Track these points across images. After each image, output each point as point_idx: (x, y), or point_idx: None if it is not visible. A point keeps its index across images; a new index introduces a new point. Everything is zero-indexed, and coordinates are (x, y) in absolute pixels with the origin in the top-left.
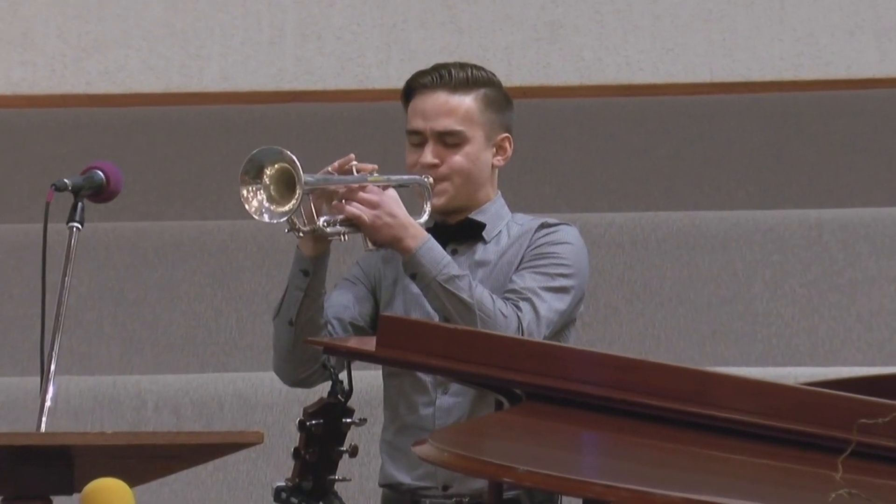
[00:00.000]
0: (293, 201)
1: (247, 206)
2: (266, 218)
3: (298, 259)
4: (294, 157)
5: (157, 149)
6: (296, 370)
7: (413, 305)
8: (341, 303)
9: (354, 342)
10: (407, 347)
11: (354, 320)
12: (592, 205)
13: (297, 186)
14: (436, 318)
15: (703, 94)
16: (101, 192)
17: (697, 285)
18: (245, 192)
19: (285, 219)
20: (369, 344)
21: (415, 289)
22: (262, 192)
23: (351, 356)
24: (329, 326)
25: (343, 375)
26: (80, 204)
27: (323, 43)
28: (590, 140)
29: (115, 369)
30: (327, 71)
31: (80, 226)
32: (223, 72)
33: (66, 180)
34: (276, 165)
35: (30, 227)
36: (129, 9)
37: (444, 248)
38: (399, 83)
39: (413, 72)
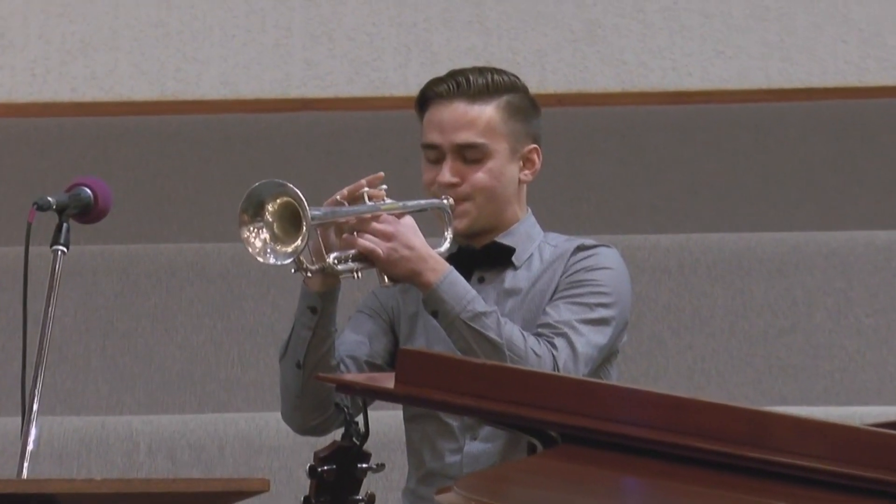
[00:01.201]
0: (300, 239)
1: (250, 249)
2: (272, 260)
3: (305, 295)
4: (298, 191)
5: (150, 163)
6: (306, 417)
7: (436, 339)
8: (355, 339)
9: (370, 379)
10: (429, 384)
11: (371, 358)
12: (635, 225)
13: (303, 222)
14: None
15: (759, 102)
16: (88, 212)
17: (752, 315)
18: (246, 232)
19: (290, 261)
20: (387, 381)
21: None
22: (264, 230)
23: (367, 394)
24: (342, 366)
25: (359, 416)
26: (65, 224)
27: (334, 45)
28: (632, 153)
29: (104, 408)
30: (339, 76)
31: (65, 249)
32: (223, 77)
33: (49, 198)
34: (278, 200)
35: (9, 250)
36: (118, 6)
37: (470, 275)
38: (419, 89)
39: (434, 77)
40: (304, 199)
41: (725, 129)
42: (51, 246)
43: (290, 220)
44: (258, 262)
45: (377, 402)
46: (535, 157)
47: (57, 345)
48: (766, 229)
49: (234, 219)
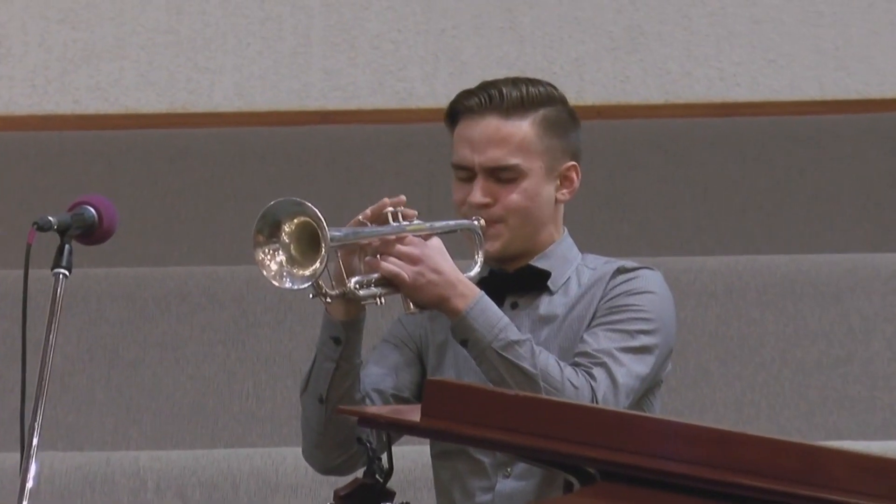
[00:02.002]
0: (318, 262)
1: (265, 272)
2: (288, 284)
3: (328, 325)
4: (317, 211)
5: (158, 180)
6: (329, 455)
7: (467, 369)
8: (380, 371)
9: (395, 412)
10: (458, 417)
11: (397, 391)
12: (679, 247)
13: (322, 244)
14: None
15: (812, 114)
16: (92, 232)
17: (805, 343)
18: (261, 254)
19: (310, 283)
20: (413, 414)
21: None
22: (280, 252)
23: (391, 428)
24: (367, 401)
25: (384, 452)
26: (67, 246)
27: (356, 53)
28: (676, 169)
29: (108, 444)
30: (362, 87)
31: (67, 272)
32: (237, 88)
33: (50, 218)
34: (295, 220)
35: (7, 273)
36: (124, 12)
37: (503, 301)
38: (448, 101)
39: (464, 87)
40: (323, 220)
41: (776, 144)
42: (52, 269)
43: (309, 242)
44: (274, 286)
45: (404, 437)
46: (574, 175)
47: (58, 375)
48: (821, 251)
49: (248, 240)
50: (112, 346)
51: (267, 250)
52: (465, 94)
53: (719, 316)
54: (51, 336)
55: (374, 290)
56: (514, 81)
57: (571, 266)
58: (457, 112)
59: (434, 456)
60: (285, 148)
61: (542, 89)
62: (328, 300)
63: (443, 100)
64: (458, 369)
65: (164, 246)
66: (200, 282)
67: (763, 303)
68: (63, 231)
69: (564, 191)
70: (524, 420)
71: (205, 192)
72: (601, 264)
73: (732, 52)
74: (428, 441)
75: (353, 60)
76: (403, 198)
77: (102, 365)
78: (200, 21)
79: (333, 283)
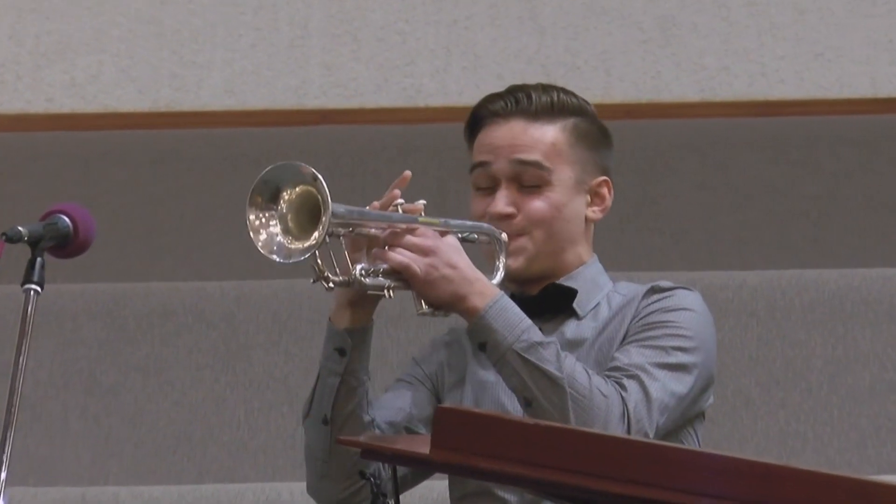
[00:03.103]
0: (315, 235)
1: (252, 236)
2: (276, 256)
3: (332, 336)
4: (320, 177)
5: (140, 186)
6: (336, 487)
7: (484, 397)
8: (395, 405)
9: (402, 442)
10: (472, 449)
11: (412, 425)
12: (717, 260)
13: (322, 217)
14: (513, 411)
15: (864, 114)
16: (66, 244)
17: (856, 366)
18: (253, 216)
19: (303, 258)
20: (422, 445)
21: (488, 376)
22: (275, 221)
23: (397, 461)
24: (378, 432)
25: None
26: (39, 259)
27: (360, 46)
28: (713, 174)
29: (85, 478)
30: (365, 83)
31: (39, 288)
32: (228, 84)
33: (20, 228)
34: (297, 189)
35: None
36: (103, 2)
37: None
38: (460, 99)
39: (479, 84)
40: (326, 189)
41: (824, 146)
42: (22, 285)
43: (309, 214)
44: (263, 256)
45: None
46: (606, 191)
47: (29, 402)
48: (873, 264)
49: (239, 253)
50: (89, 369)
51: (262, 215)
52: (490, 98)
53: (761, 337)
54: (21, 359)
55: (381, 280)
56: (545, 87)
57: (602, 292)
58: (480, 117)
59: (454, 500)
60: (281, 150)
61: (574, 100)
62: (330, 285)
63: (454, 97)
64: (476, 395)
65: (147, 259)
66: (186, 299)
67: (810, 322)
68: (35, 243)
69: (596, 208)
70: (546, 452)
71: (191, 200)
72: (634, 288)
73: (775, 46)
74: (446, 478)
75: (356, 54)
76: (408, 173)
77: (78, 391)
78: (186, 11)
79: (337, 270)
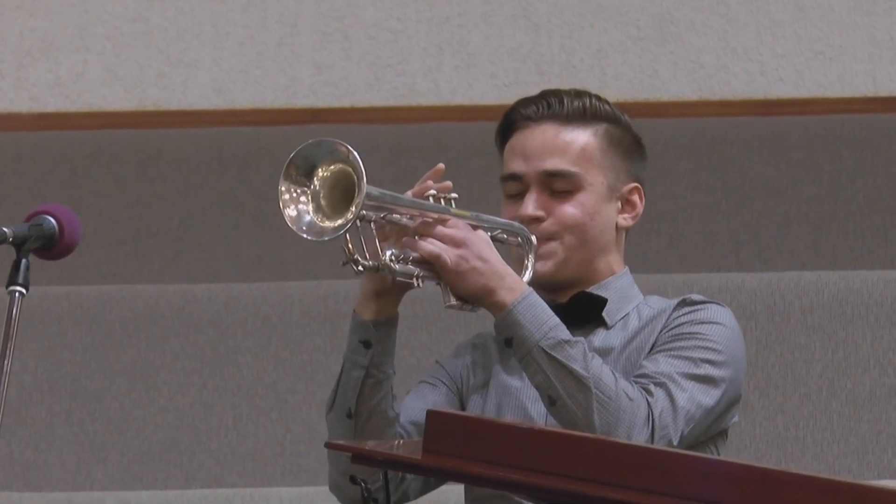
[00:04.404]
0: (348, 215)
1: (282, 207)
2: (305, 233)
3: (356, 328)
4: (359, 159)
5: (126, 187)
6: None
7: (508, 401)
8: (419, 405)
9: (395, 447)
10: (465, 454)
11: None
12: (715, 262)
13: (357, 196)
14: (538, 420)
15: (865, 113)
16: (52, 245)
17: (856, 371)
18: (284, 188)
19: (335, 236)
20: (415, 450)
21: (513, 381)
22: (306, 198)
23: (389, 466)
24: (401, 430)
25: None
26: (24, 261)
27: (351, 44)
28: (711, 174)
29: (70, 483)
30: (357, 82)
31: (24, 290)
32: (216, 83)
33: (5, 229)
34: (332, 167)
35: None
36: None
37: None
38: (453, 97)
39: (472, 83)
40: (363, 169)
41: (824, 146)
42: (7, 286)
43: (342, 194)
44: (295, 234)
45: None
46: (637, 199)
47: (14, 407)
48: (874, 267)
49: (228, 255)
50: (74, 374)
51: (294, 190)
52: (522, 102)
53: (759, 340)
54: (5, 363)
55: (411, 268)
56: (578, 92)
57: (632, 304)
58: (512, 121)
59: (470, 501)
60: (270, 151)
61: (607, 107)
62: (360, 269)
63: (447, 96)
64: (500, 402)
65: (133, 261)
66: (174, 302)
67: (809, 326)
68: (19, 244)
69: (627, 216)
70: (540, 457)
71: (179, 201)
72: (664, 302)
73: (775, 44)
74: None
75: (347, 52)
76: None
77: (63, 395)
78: (173, 8)
79: (368, 255)
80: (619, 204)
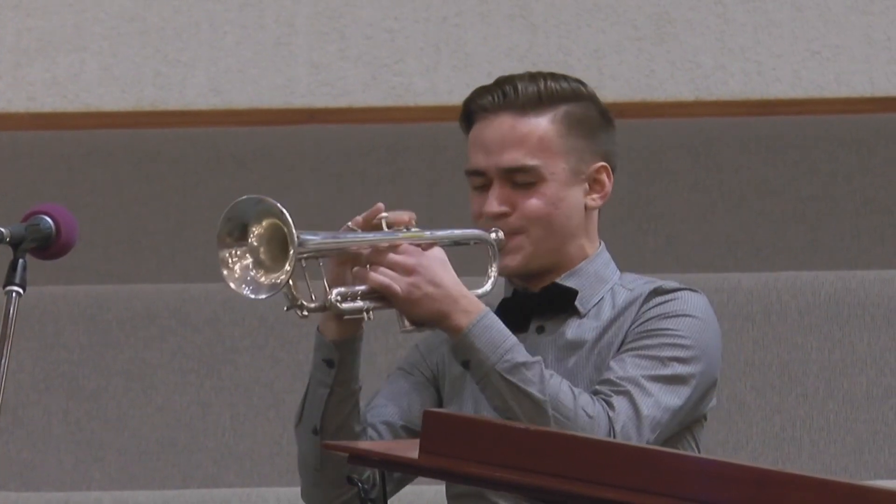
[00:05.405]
0: (285, 269)
1: (225, 273)
2: (249, 292)
3: (319, 346)
4: (282, 209)
5: (123, 186)
6: (329, 494)
7: (484, 404)
8: (389, 401)
9: (391, 447)
10: (461, 454)
11: (408, 423)
12: (711, 262)
13: (290, 248)
14: None
15: (862, 113)
16: (49, 245)
17: (853, 371)
18: (225, 253)
19: (273, 294)
20: (411, 450)
21: None
22: (247, 256)
23: (385, 466)
24: (372, 432)
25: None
26: (20, 261)
27: (347, 44)
28: (708, 174)
29: (67, 483)
30: (354, 82)
31: (21, 290)
32: (213, 83)
33: (1, 229)
34: (264, 221)
35: None
36: None
37: (528, 325)
38: (450, 97)
39: (469, 83)
40: (289, 219)
41: (821, 146)
42: (3, 286)
43: (280, 245)
44: (241, 297)
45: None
46: (605, 177)
47: (10, 407)
48: (871, 266)
49: None
50: (71, 373)
51: (234, 252)
52: (479, 92)
53: (756, 340)
54: (2, 363)
55: (359, 303)
56: (532, 76)
57: (606, 286)
58: (470, 112)
59: (450, 497)
60: (267, 151)
61: (564, 84)
62: (304, 313)
63: (444, 96)
64: (477, 402)
65: (130, 261)
66: (171, 301)
67: (805, 325)
68: (16, 244)
69: (595, 195)
70: (536, 457)
71: (176, 201)
72: (640, 284)
73: (772, 44)
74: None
75: (344, 52)
76: (411, 214)
77: (60, 395)
78: (170, 8)
79: (313, 295)
80: (587, 185)
